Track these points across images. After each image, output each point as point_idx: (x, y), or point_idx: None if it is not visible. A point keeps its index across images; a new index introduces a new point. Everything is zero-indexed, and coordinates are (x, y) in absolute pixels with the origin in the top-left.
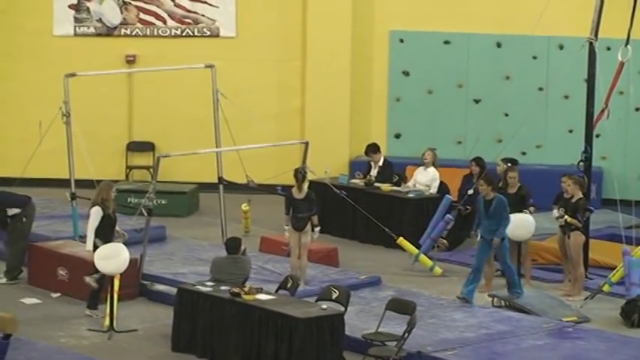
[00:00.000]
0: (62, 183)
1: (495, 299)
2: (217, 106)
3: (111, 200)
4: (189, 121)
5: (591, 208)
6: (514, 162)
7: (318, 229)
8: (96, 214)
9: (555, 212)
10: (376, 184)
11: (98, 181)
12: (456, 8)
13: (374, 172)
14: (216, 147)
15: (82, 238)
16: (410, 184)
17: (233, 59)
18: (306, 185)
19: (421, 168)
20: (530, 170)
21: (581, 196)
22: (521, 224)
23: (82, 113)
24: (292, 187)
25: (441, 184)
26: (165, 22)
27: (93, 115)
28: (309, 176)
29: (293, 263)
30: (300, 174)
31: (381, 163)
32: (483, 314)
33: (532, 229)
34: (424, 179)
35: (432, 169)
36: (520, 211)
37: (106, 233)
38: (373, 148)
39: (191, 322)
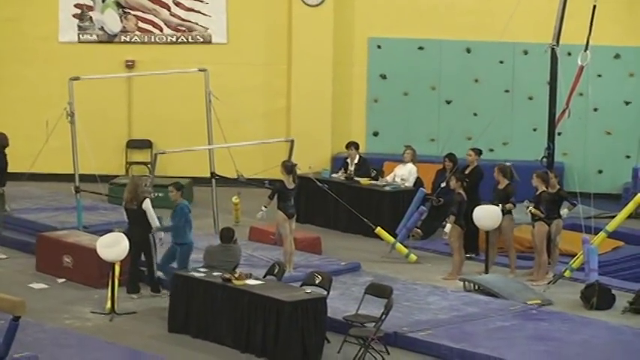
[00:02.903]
0: (67, 177)
1: (466, 283)
2: (210, 107)
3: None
4: (184, 121)
5: (575, 202)
6: (479, 152)
7: None
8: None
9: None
10: (356, 179)
11: (100, 176)
12: (429, 17)
13: (352, 167)
14: (209, 144)
15: (86, 228)
16: (389, 178)
17: (224, 63)
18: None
19: (400, 164)
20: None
21: (545, 189)
22: (488, 215)
23: (85, 113)
24: (280, 180)
25: (416, 178)
26: (161, 29)
27: (95, 115)
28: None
29: (288, 249)
30: (292, 167)
31: (357, 161)
32: (455, 297)
33: (497, 219)
34: (402, 173)
35: (410, 165)
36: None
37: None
38: (352, 145)
39: (186, 305)
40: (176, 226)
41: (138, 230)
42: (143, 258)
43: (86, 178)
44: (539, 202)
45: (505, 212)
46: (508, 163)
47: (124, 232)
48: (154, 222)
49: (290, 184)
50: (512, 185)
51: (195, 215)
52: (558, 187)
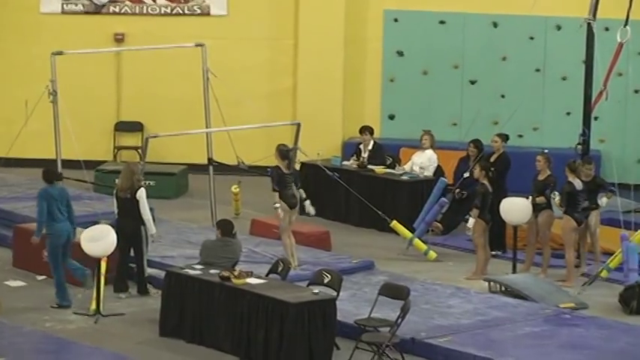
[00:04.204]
0: (48, 163)
1: (492, 284)
2: (207, 86)
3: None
4: (179, 101)
5: (612, 188)
6: (507, 137)
7: (309, 201)
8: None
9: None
10: (369, 167)
11: (85, 162)
12: None
13: (365, 154)
14: (206, 127)
15: None
16: (407, 166)
17: (224, 38)
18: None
19: (418, 151)
20: (527, 153)
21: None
22: (516, 208)
23: (69, 92)
24: (276, 166)
25: (437, 166)
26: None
27: (80, 94)
28: (302, 158)
29: (286, 242)
30: (288, 152)
31: (371, 147)
32: (479, 300)
33: (527, 213)
34: (421, 161)
35: (429, 151)
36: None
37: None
38: (366, 130)
39: (179, 307)
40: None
41: (129, 222)
42: (132, 253)
43: (69, 164)
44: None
45: (539, 206)
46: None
47: (111, 225)
48: (146, 213)
49: (286, 169)
50: (554, 177)
51: (191, 206)
52: (593, 175)
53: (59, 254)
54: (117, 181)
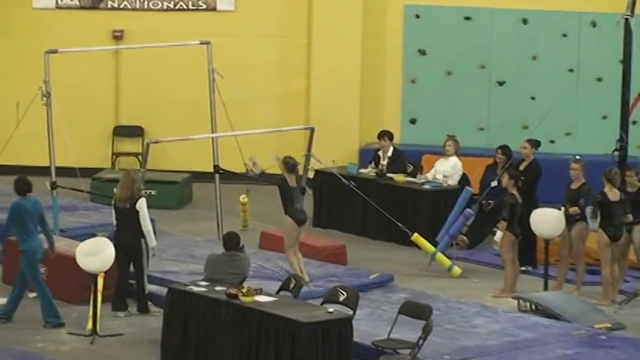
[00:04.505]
0: (41, 171)
1: (521, 302)
2: (213, 87)
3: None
4: (182, 104)
5: None
6: (537, 143)
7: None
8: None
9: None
10: (389, 175)
11: (82, 169)
12: None
13: (384, 161)
14: (212, 132)
15: (63, 232)
16: (429, 174)
17: (231, 35)
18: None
19: (442, 158)
20: (560, 160)
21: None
22: (548, 220)
23: (64, 94)
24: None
25: (461, 175)
26: None
27: (76, 96)
28: (316, 165)
29: (293, 260)
30: (295, 166)
31: (390, 154)
32: (507, 319)
33: (559, 226)
34: (445, 169)
35: (454, 158)
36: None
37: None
38: (385, 135)
39: (182, 327)
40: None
41: (128, 235)
42: (132, 269)
43: (64, 171)
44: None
45: (573, 217)
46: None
47: (109, 237)
48: (147, 225)
49: (293, 183)
50: (588, 186)
51: (196, 217)
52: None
53: (38, 270)
54: (115, 190)
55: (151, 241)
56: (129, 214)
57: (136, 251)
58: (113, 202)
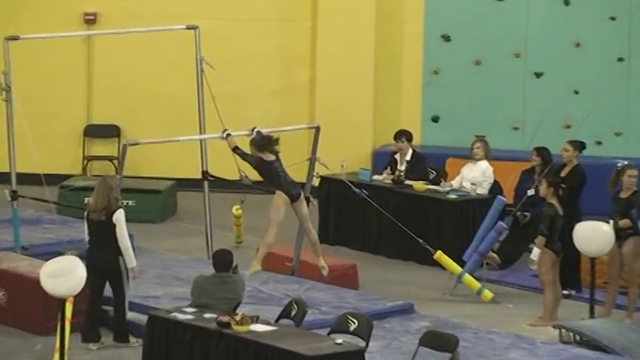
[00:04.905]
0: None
1: (563, 332)
2: (202, 80)
3: None
4: (166, 99)
5: None
6: (582, 145)
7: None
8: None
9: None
10: (407, 182)
11: (47, 176)
12: None
13: (401, 166)
14: (200, 133)
15: (25, 250)
16: (455, 182)
17: (223, 19)
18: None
19: (469, 163)
20: (608, 165)
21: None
22: (594, 235)
23: (27, 87)
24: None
25: (493, 182)
26: None
27: (41, 90)
28: (321, 171)
29: (270, 241)
30: (263, 141)
31: (409, 158)
32: (547, 352)
33: (608, 242)
34: (473, 175)
35: (483, 163)
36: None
37: None
38: (402, 136)
39: None
40: None
41: (103, 252)
42: (110, 292)
43: (27, 178)
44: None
45: (624, 231)
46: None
47: (80, 256)
48: (125, 241)
49: (270, 157)
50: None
51: (181, 232)
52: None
53: None
54: (89, 199)
55: (130, 260)
56: (104, 228)
57: (114, 271)
58: (86, 213)
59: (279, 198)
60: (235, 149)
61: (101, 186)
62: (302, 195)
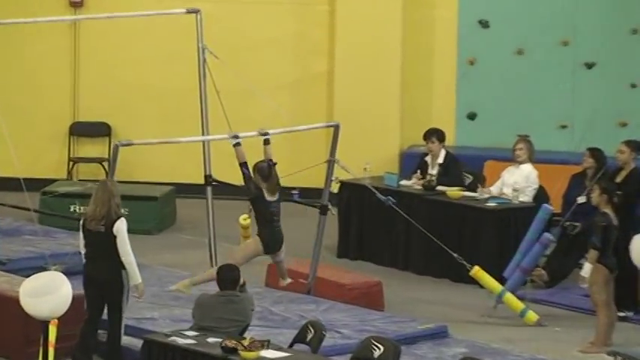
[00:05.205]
0: None
1: (618, 359)
2: (204, 72)
3: None
4: (163, 94)
5: None
6: (639, 146)
7: None
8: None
9: None
10: (440, 188)
11: (27, 181)
12: None
13: (433, 170)
14: (203, 132)
15: (2, 265)
16: (494, 188)
17: (228, 1)
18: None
19: (511, 166)
20: None
21: None
22: None
23: (4, 79)
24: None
25: (537, 187)
26: None
27: (20, 82)
28: (341, 175)
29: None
30: (270, 170)
31: (441, 160)
32: None
33: None
34: (515, 180)
35: (527, 166)
36: None
37: None
38: (433, 135)
39: None
40: None
41: (103, 266)
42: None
43: (4, 183)
44: None
45: None
46: None
47: (64, 272)
48: (128, 254)
49: (271, 196)
50: None
51: (180, 245)
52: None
53: None
54: (85, 207)
55: (135, 276)
56: (104, 240)
57: (113, 289)
58: (82, 222)
59: (255, 246)
60: (243, 165)
61: (100, 191)
62: (280, 248)
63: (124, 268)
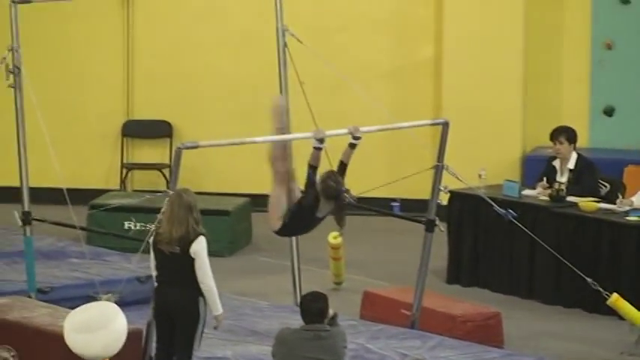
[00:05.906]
0: (7, 194)
1: None
2: (285, 59)
3: None
4: (234, 86)
5: None
6: None
7: None
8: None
9: None
10: (570, 199)
11: (72, 192)
12: None
13: (562, 177)
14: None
15: (43, 294)
16: (636, 199)
17: None
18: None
19: None
20: None
21: None
22: None
23: (44, 71)
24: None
25: None
26: None
27: (63, 74)
28: (451, 184)
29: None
30: (333, 190)
31: (572, 165)
32: None
33: None
34: None
35: None
36: None
37: None
38: (562, 135)
39: None
40: None
41: (177, 292)
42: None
43: (45, 195)
44: None
45: None
46: None
47: (116, 302)
48: (208, 280)
49: (321, 211)
50: None
51: (258, 268)
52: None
53: None
54: (156, 223)
55: (215, 306)
56: (179, 262)
57: (187, 318)
58: (152, 242)
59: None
60: (312, 168)
61: (176, 206)
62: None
63: (201, 295)
